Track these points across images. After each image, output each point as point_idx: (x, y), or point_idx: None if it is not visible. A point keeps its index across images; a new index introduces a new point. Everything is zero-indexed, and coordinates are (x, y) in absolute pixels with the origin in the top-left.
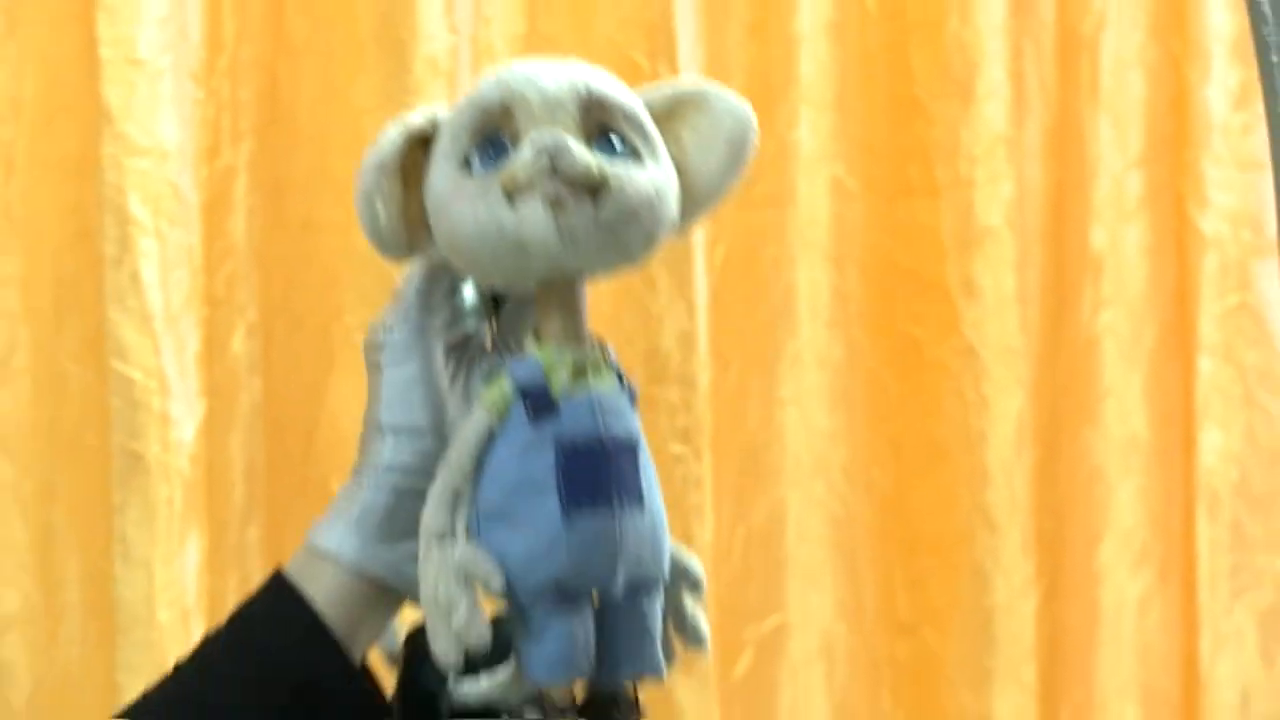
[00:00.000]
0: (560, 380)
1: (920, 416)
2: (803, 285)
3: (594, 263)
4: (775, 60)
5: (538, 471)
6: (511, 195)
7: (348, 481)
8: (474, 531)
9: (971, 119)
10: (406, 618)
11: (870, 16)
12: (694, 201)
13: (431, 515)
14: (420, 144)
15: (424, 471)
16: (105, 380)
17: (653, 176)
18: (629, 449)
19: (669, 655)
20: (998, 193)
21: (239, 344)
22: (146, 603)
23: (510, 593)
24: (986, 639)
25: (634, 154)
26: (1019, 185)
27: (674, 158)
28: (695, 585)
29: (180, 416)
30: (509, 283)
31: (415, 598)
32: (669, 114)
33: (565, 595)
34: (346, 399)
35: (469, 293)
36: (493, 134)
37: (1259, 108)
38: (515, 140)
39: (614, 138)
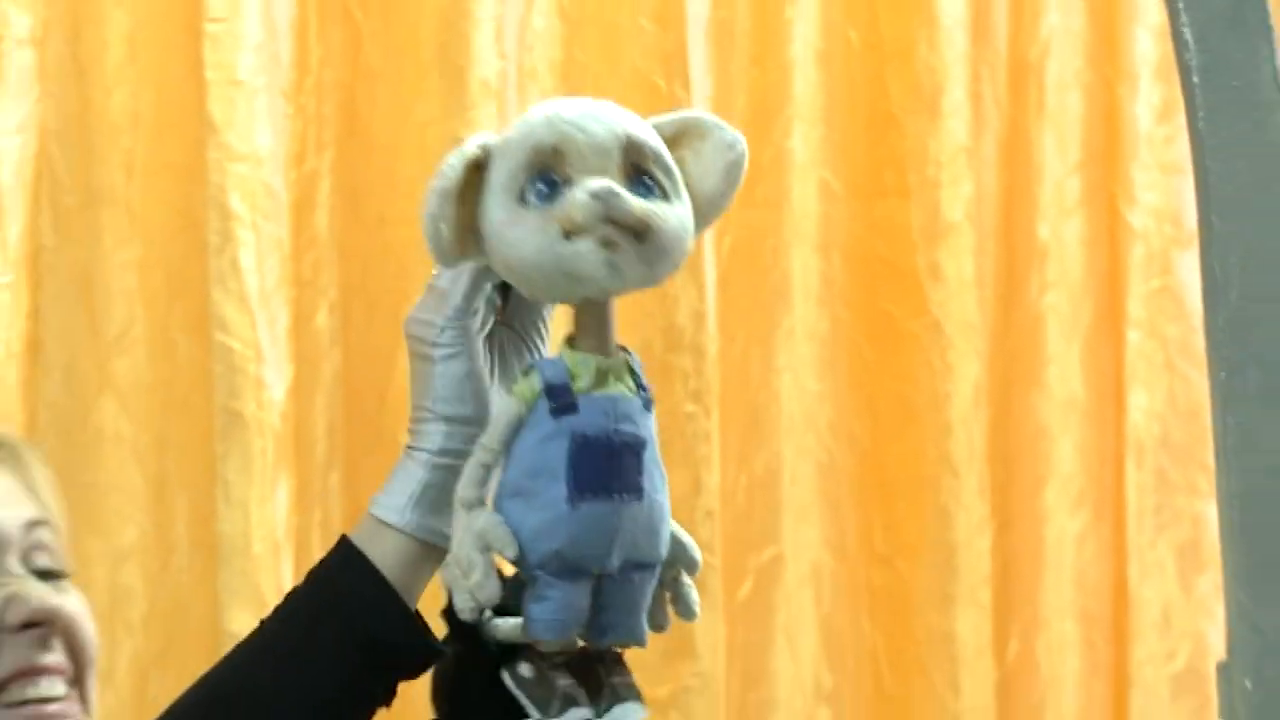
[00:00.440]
0: (583, 382)
1: (894, 381)
2: (796, 271)
3: (630, 287)
4: (772, 83)
5: (553, 459)
6: (568, 233)
7: (403, 458)
8: (497, 504)
9: (937, 131)
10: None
11: (853, 46)
12: (697, 215)
13: (463, 486)
14: (474, 167)
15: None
16: (209, 350)
17: (680, 214)
18: (635, 448)
19: (663, 624)
20: (959, 193)
21: (322, 320)
22: (243, 537)
23: (521, 560)
24: (949, 568)
25: (664, 194)
26: (977, 187)
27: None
28: (691, 566)
29: (272, 380)
30: (553, 300)
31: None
32: (674, 140)
33: (566, 567)
34: None
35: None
36: (545, 172)
37: (1180, 121)
38: (566, 179)
39: (647, 179)
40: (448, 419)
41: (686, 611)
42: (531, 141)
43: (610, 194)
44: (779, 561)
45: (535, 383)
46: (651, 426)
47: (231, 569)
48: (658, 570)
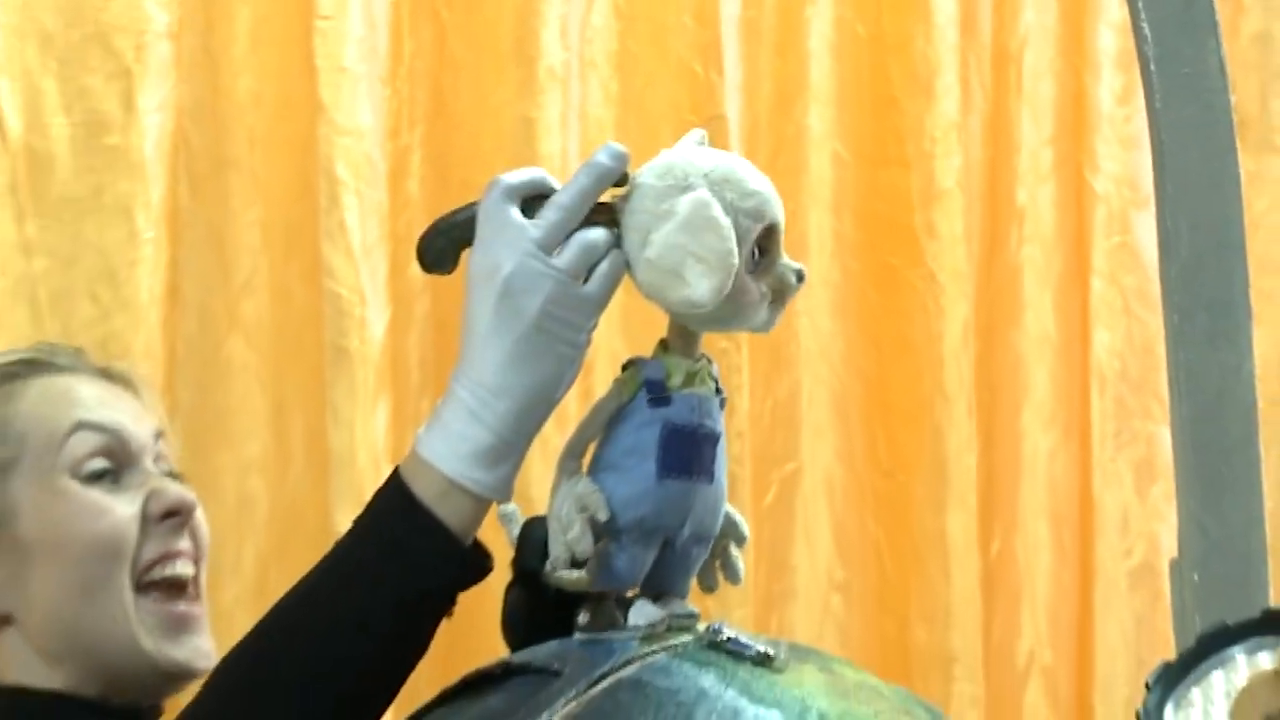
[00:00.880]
0: (675, 380)
1: (895, 321)
2: (812, 229)
3: None
4: (792, 70)
5: (646, 442)
6: (772, 297)
7: (465, 420)
8: (592, 475)
9: (932, 111)
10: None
11: (860, 39)
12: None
13: (566, 456)
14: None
15: (524, 427)
16: (320, 294)
17: None
18: (712, 440)
19: (713, 586)
20: (950, 164)
21: (414, 270)
22: (350, 452)
23: (610, 523)
24: (942, 478)
25: None
26: (966, 158)
27: None
28: (740, 539)
29: (373, 320)
30: (694, 326)
31: (504, 501)
32: None
33: (646, 533)
34: None
35: None
36: (763, 242)
37: (1138, 103)
38: (765, 249)
39: None
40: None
41: (733, 576)
42: (764, 215)
43: (802, 271)
44: (798, 473)
45: (637, 378)
46: (723, 422)
47: (340, 479)
48: (712, 543)
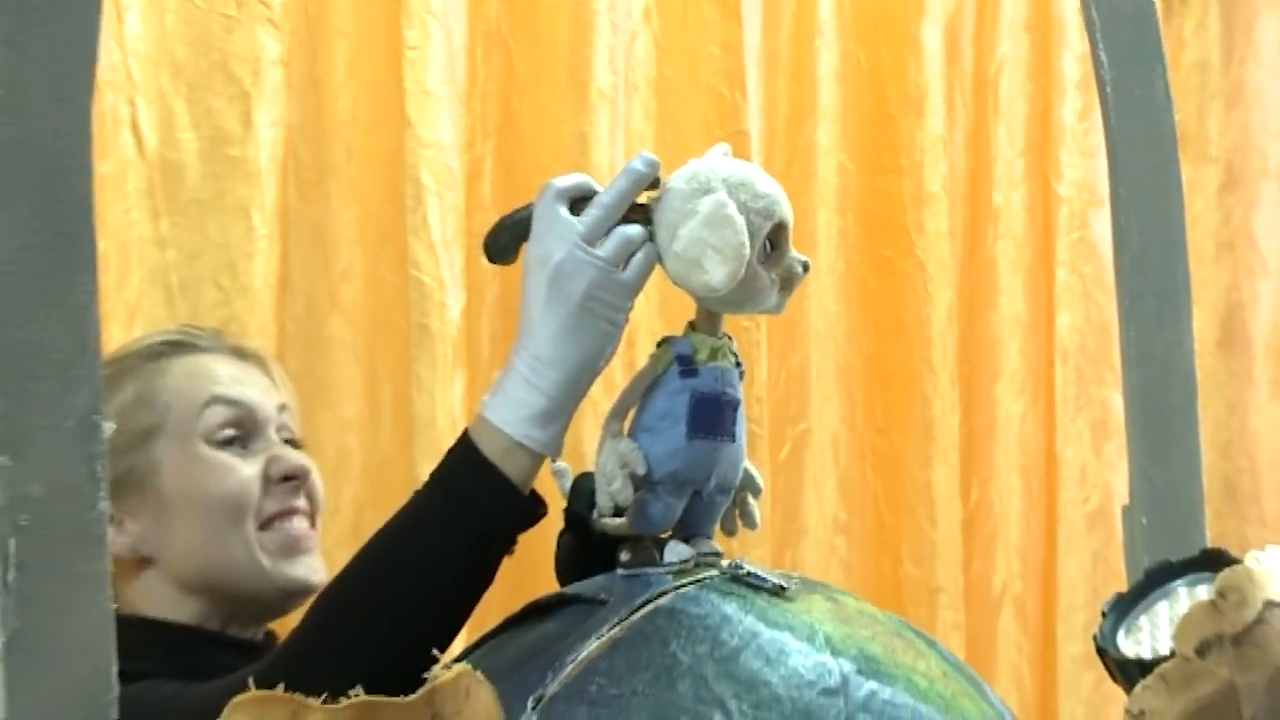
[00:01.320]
0: (702, 355)
1: (890, 304)
2: (820, 226)
3: None
4: (804, 92)
5: (678, 407)
6: (781, 284)
7: (523, 388)
8: (632, 435)
9: (922, 127)
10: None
11: (861, 67)
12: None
13: (610, 419)
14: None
15: (573, 392)
16: (407, 281)
17: None
18: (734, 405)
19: (733, 530)
20: (937, 172)
21: (485, 261)
22: (431, 415)
23: (648, 476)
24: (929, 437)
25: None
26: (950, 167)
27: None
28: (756, 491)
29: (451, 304)
30: (715, 308)
31: (555, 458)
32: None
33: (678, 484)
34: None
35: None
36: (773, 237)
37: (1096, 119)
38: (775, 243)
39: None
40: (566, 370)
41: (750, 522)
42: (774, 216)
43: (808, 266)
44: (808, 432)
45: (669, 353)
46: (743, 390)
47: (422, 439)
48: (733, 493)
